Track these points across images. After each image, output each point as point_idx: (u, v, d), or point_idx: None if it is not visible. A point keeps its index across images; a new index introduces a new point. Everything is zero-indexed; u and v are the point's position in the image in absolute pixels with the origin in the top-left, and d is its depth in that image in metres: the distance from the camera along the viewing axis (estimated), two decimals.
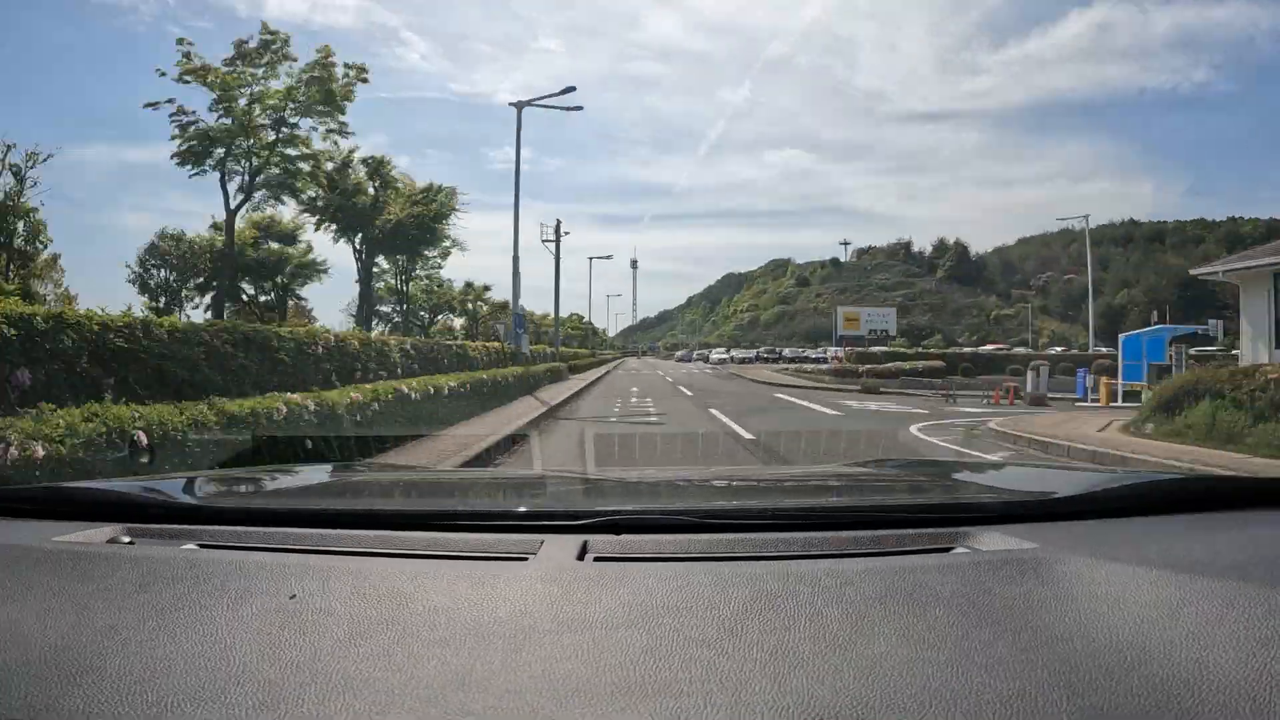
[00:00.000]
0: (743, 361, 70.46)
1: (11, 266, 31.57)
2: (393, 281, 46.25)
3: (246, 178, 31.01)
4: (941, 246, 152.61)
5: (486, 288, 56.74)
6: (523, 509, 1.41)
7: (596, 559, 1.05)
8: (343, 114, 31.42)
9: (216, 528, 1.24)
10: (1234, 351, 20.86)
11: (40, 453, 4.40)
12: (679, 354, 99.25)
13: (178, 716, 0.69)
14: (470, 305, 55.55)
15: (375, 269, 42.17)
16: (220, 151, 29.89)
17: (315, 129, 31.58)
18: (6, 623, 0.86)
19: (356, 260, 39.84)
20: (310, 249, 42.15)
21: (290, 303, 43.53)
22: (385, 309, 48.17)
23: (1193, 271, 19.64)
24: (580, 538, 1.10)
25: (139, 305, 35.21)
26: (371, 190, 38.81)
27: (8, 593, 0.95)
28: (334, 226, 38.09)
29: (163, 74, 28.80)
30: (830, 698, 0.68)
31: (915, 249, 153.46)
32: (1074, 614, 0.83)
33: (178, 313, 33.42)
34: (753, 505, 1.57)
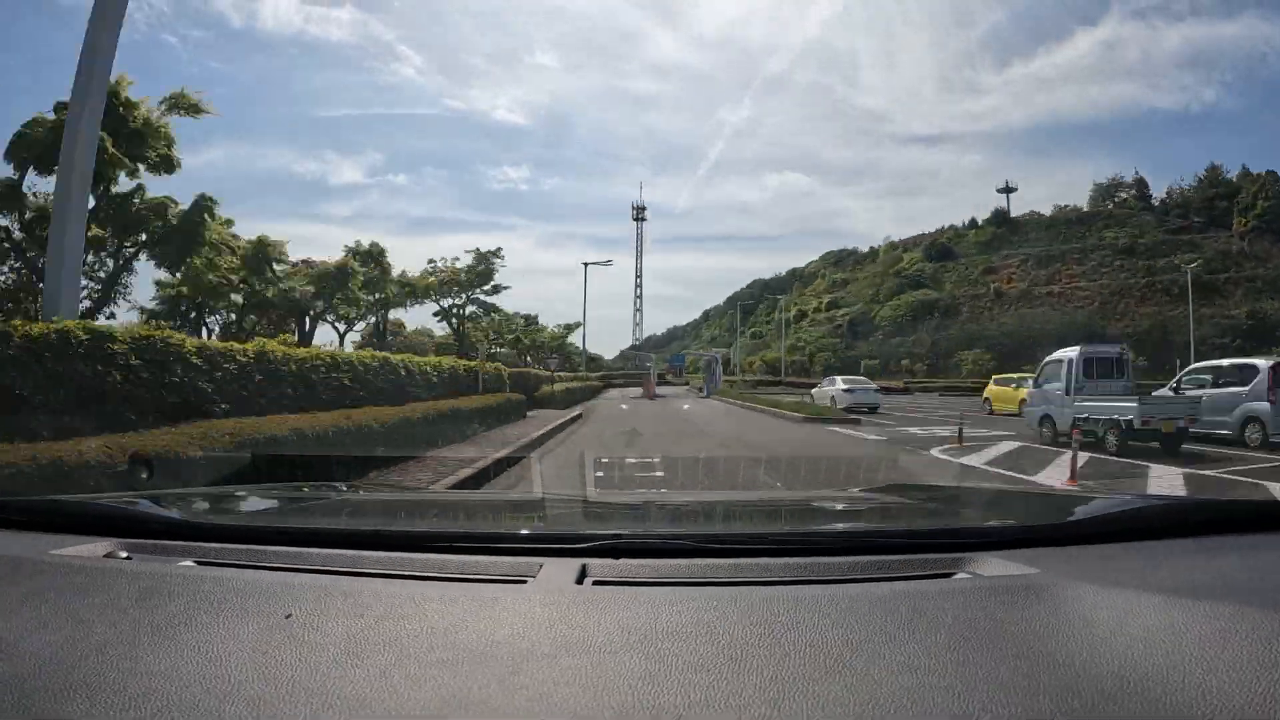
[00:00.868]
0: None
1: None
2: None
3: None
4: None
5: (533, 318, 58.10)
6: (522, 532, 1.41)
7: (596, 583, 1.05)
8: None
9: (213, 545, 1.24)
10: None
11: None
12: (702, 383, 50.77)
13: None
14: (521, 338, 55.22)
15: None
16: None
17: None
18: (1, 635, 0.86)
19: None
20: None
21: None
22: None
23: None
24: (579, 561, 1.10)
25: None
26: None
27: (4, 605, 0.95)
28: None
29: None
30: None
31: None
32: (1075, 639, 0.83)
33: None
34: (753, 530, 1.55)
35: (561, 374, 38.75)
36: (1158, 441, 11.91)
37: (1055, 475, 9.51)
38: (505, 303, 54.36)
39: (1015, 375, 25.61)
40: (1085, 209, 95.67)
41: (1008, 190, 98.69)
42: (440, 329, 53.62)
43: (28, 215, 22.13)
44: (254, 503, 1.99)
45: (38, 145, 20.64)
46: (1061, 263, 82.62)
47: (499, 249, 46.40)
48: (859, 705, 0.71)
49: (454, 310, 47.33)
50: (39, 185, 22.06)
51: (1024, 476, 9.40)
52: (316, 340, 37.86)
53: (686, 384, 62.61)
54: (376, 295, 40.70)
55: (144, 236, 24.57)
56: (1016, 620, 0.87)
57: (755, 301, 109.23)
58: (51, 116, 20.80)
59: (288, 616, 0.91)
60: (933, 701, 0.71)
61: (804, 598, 0.95)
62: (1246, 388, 13.32)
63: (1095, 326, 62.62)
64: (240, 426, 6.82)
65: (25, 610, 0.94)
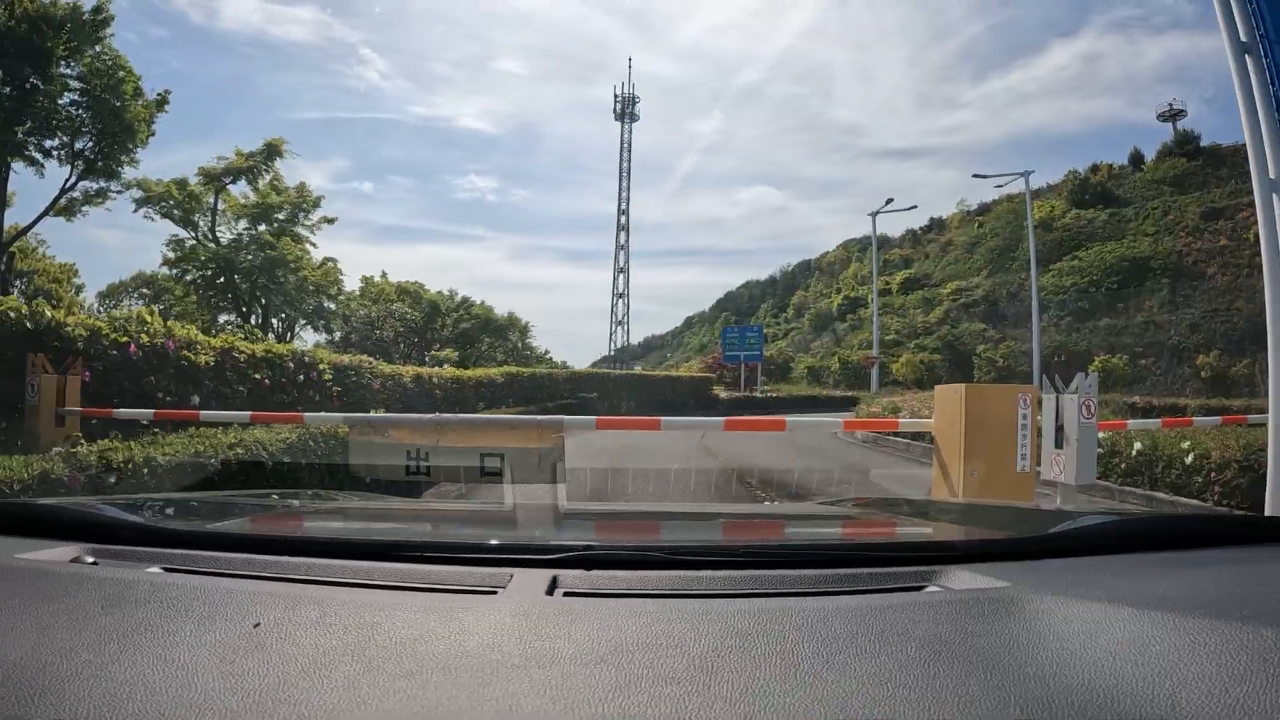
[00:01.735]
0: None
1: None
2: None
3: None
4: None
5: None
6: (493, 541, 1.40)
7: (566, 594, 1.05)
8: None
9: (182, 551, 1.23)
10: None
11: None
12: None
13: None
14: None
15: None
16: None
17: None
18: None
19: None
20: None
21: None
22: None
23: None
24: (550, 572, 1.10)
25: None
26: None
27: None
28: None
29: None
30: None
31: None
32: (1046, 652, 0.83)
33: None
34: (725, 542, 1.55)
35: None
36: None
37: None
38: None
39: None
40: None
41: (1173, 115, 58.66)
42: None
43: None
44: (223, 509, 1.96)
45: None
46: None
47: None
48: (829, 717, 0.72)
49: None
50: None
51: None
52: None
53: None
54: None
55: None
56: (987, 633, 0.88)
57: (756, 302, 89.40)
58: None
59: (255, 625, 0.90)
60: (903, 713, 0.72)
61: (775, 610, 0.96)
62: None
63: None
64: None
65: None
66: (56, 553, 1.21)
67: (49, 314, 7.16)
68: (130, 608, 0.95)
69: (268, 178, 35.01)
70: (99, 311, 28.89)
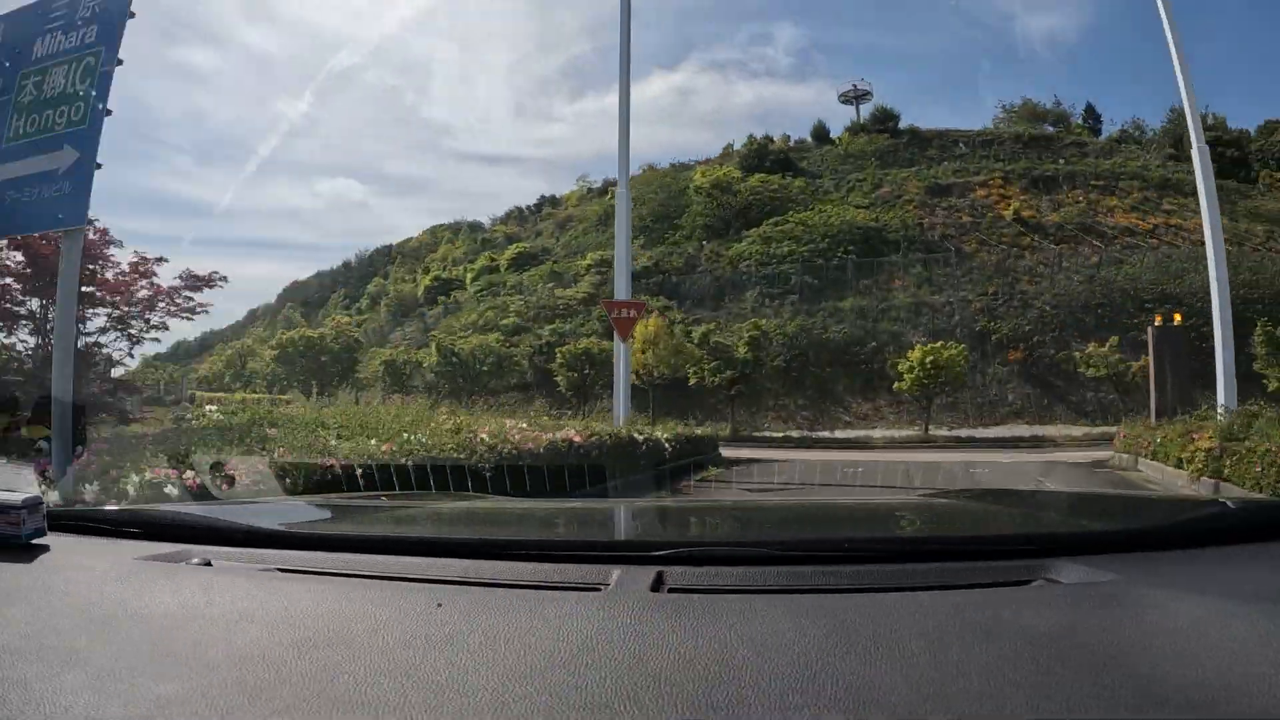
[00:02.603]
0: None
1: None
2: None
3: None
4: None
5: None
6: (598, 539, 1.52)
7: (671, 590, 1.05)
8: None
9: (292, 553, 1.28)
10: None
11: None
12: None
13: None
14: None
15: None
16: None
17: None
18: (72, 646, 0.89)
19: None
20: None
21: None
22: None
23: None
24: (655, 569, 1.10)
25: None
26: None
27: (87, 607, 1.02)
28: None
29: None
30: None
31: None
32: (1157, 647, 0.82)
33: None
34: (830, 537, 1.53)
35: None
36: None
37: None
38: None
39: None
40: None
41: (857, 97, 57.40)
42: None
43: None
44: (332, 512, 2.05)
45: None
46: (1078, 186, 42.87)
47: None
48: (938, 712, 0.70)
49: None
50: None
51: None
52: None
53: None
54: None
55: None
56: (1096, 628, 0.87)
57: (327, 292, 76.48)
58: None
59: (439, 605, 0.99)
60: (1013, 711, 0.70)
61: (881, 605, 0.95)
62: None
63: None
64: None
65: (99, 615, 1.01)
66: (173, 555, 1.28)
67: None
68: (241, 607, 1.00)
69: None
70: None
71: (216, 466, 5.19)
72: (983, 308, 34.51)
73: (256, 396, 31.98)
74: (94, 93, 7.19)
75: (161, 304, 17.46)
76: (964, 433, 28.52)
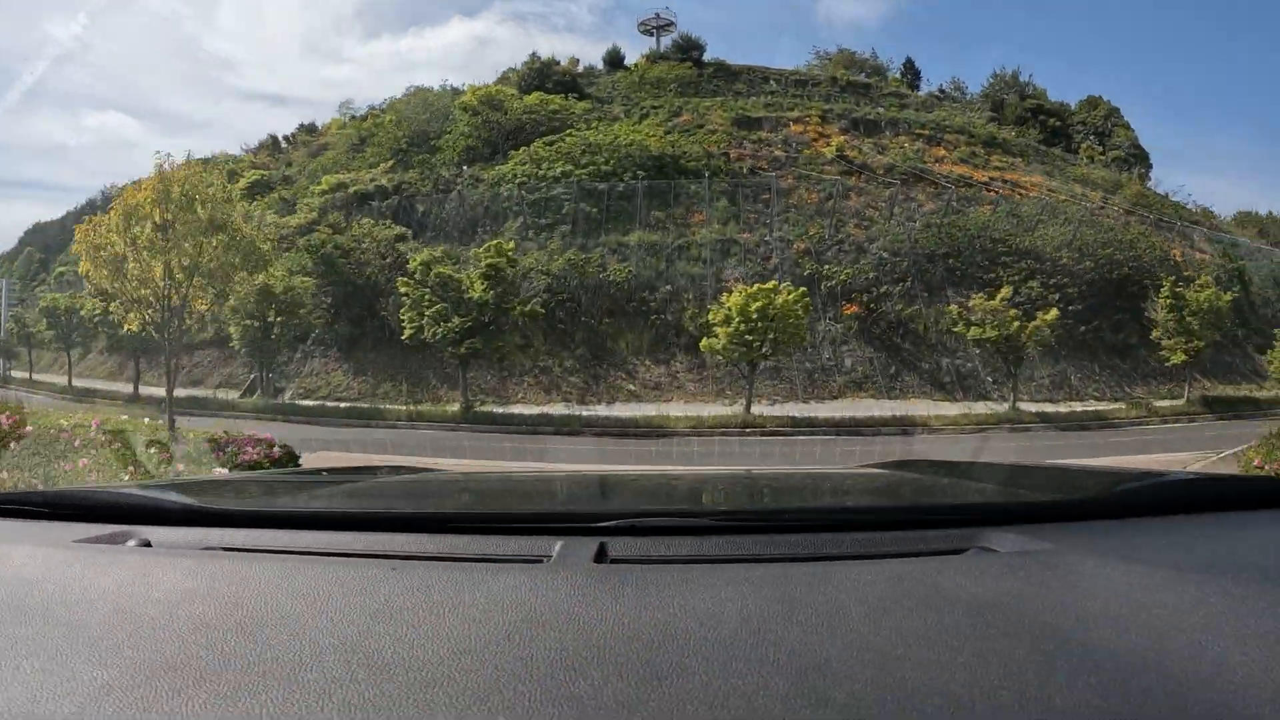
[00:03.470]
0: None
1: None
2: None
3: None
4: None
5: None
6: (539, 511, 1.53)
7: (614, 561, 1.05)
8: None
9: (232, 531, 1.27)
10: None
11: None
12: None
13: None
14: None
15: None
16: None
17: None
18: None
19: None
20: None
21: None
22: None
23: None
24: (598, 540, 1.10)
25: None
26: None
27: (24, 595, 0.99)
28: None
29: None
30: (848, 700, 0.69)
31: None
32: (1090, 615, 0.83)
33: None
34: (771, 507, 1.57)
35: None
36: None
37: None
38: None
39: None
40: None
41: (658, 28, 50.39)
42: None
43: None
44: (273, 488, 2.05)
45: None
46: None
47: None
48: (877, 681, 0.71)
49: None
50: None
51: None
52: None
53: None
54: None
55: None
56: (1032, 595, 0.88)
57: (71, 235, 50.64)
58: None
59: (392, 569, 1.00)
60: (951, 678, 0.71)
61: (821, 574, 0.96)
62: None
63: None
64: None
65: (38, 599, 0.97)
66: (112, 536, 1.26)
67: None
68: (182, 588, 0.98)
69: None
70: None
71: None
72: (808, 249, 26.77)
73: None
74: None
75: None
76: (796, 410, 20.23)
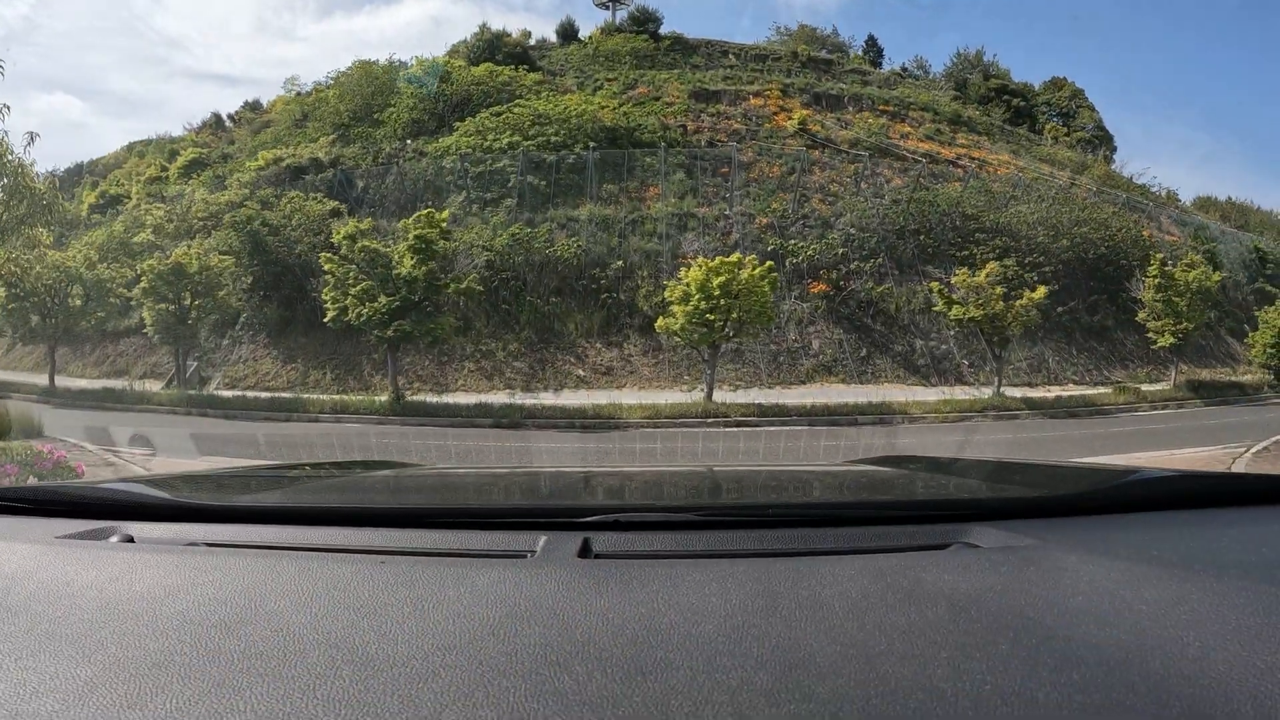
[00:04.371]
0: None
1: None
2: None
3: None
4: None
5: None
6: (523, 506, 1.52)
7: (598, 556, 1.05)
8: None
9: (216, 527, 1.27)
10: None
11: None
12: None
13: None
14: None
15: None
16: None
17: None
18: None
19: None
20: None
21: None
22: None
23: None
24: (582, 535, 1.10)
25: None
26: None
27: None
28: None
29: None
30: (830, 695, 0.69)
31: None
32: (1073, 610, 0.84)
33: None
34: (755, 502, 1.59)
35: None
36: None
37: None
38: None
39: None
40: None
41: (614, 1, 47.35)
42: None
43: None
44: (258, 483, 2.01)
45: None
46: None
47: None
48: (860, 675, 0.71)
49: None
50: None
51: None
52: None
53: None
54: None
55: None
56: (1014, 590, 0.88)
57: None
58: None
59: (381, 563, 1.00)
60: (933, 672, 0.71)
61: (805, 569, 0.96)
62: None
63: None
64: None
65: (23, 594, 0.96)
66: (95, 532, 1.25)
67: None
68: (165, 584, 0.98)
69: None
70: None
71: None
72: (771, 223, 24.93)
73: None
74: None
75: None
76: (762, 397, 18.37)
